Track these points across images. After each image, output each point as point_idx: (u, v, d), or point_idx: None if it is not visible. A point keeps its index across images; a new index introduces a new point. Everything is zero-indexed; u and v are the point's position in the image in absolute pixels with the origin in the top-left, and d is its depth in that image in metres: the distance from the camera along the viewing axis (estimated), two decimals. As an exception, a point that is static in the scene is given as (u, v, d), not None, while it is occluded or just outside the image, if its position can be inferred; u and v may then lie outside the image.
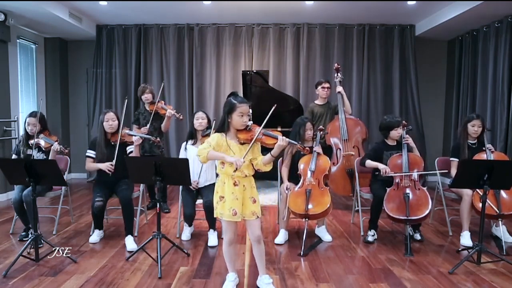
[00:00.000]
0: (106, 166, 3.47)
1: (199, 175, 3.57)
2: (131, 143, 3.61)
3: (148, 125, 4.37)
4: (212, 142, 2.42)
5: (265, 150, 2.47)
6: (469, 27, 5.82)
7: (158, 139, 3.90)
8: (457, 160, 3.69)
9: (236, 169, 2.32)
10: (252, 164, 2.51)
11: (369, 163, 3.65)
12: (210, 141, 2.44)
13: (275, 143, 2.40)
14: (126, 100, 4.07)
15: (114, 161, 3.47)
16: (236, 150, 2.43)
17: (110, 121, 3.56)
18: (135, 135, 3.60)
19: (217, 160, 2.50)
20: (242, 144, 2.45)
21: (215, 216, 2.55)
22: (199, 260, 3.15)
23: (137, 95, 6.41)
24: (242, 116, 2.39)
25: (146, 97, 4.55)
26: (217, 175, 2.64)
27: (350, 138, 4.70)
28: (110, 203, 3.90)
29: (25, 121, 3.69)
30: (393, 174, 3.47)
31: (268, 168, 2.49)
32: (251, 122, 2.45)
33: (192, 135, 3.73)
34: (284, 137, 2.40)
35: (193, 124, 3.69)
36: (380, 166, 3.52)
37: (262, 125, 2.42)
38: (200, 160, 2.45)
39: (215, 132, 2.51)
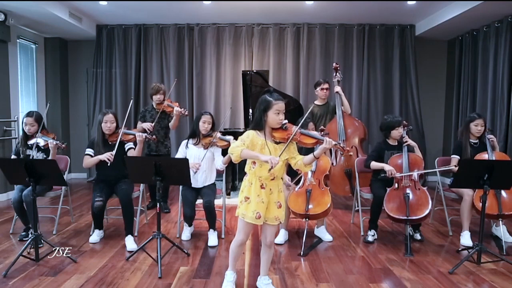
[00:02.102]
0: (106, 155, 3.45)
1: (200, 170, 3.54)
2: (129, 141, 3.61)
3: (154, 123, 4.37)
4: (247, 140, 2.32)
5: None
6: (469, 27, 5.82)
7: (154, 136, 3.88)
8: (458, 157, 3.72)
9: (272, 167, 2.20)
10: (290, 164, 2.43)
11: (374, 164, 3.63)
12: (244, 138, 2.33)
13: (314, 143, 2.33)
14: (132, 100, 4.24)
15: (114, 151, 3.46)
16: (271, 149, 2.34)
17: (108, 123, 3.55)
18: (132, 134, 3.61)
19: (249, 159, 2.38)
20: (277, 143, 2.37)
21: (236, 215, 2.46)
22: (199, 260, 3.15)
23: (138, 95, 6.49)
24: (278, 114, 2.32)
25: (159, 98, 4.51)
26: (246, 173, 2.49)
27: (348, 138, 4.69)
28: (110, 203, 3.91)
29: (22, 121, 3.69)
30: (398, 175, 3.46)
31: (308, 168, 2.40)
32: (287, 121, 2.37)
33: (195, 135, 3.68)
34: (329, 139, 2.30)
35: (198, 125, 3.61)
36: (386, 167, 3.50)
37: (299, 124, 2.37)
38: (233, 160, 2.34)
39: (250, 129, 2.40)
